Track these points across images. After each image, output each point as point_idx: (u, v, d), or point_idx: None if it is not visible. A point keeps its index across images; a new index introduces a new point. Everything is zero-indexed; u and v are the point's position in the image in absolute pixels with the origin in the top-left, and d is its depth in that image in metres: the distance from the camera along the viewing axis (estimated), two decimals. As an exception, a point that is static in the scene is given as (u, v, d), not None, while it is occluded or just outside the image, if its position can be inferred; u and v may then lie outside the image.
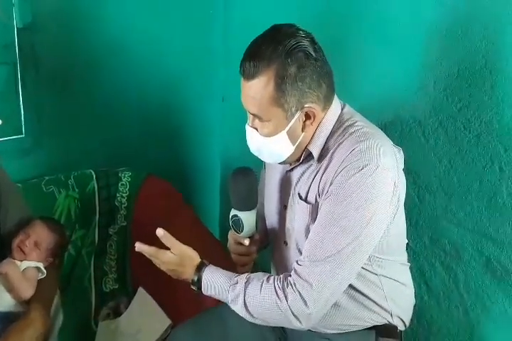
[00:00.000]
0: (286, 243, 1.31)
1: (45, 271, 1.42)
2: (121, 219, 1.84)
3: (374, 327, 1.29)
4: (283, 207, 1.30)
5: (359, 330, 1.29)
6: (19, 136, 1.79)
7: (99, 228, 1.81)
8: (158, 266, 1.24)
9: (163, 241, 1.22)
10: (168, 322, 1.60)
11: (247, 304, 1.17)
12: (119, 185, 1.85)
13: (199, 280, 1.21)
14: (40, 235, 1.43)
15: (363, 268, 1.21)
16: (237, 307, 1.20)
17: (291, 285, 1.15)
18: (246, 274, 1.22)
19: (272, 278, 1.20)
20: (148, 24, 1.97)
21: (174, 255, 1.22)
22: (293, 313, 1.14)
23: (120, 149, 2.00)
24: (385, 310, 1.28)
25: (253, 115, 1.17)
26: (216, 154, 2.27)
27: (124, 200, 1.85)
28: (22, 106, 1.77)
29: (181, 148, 2.22)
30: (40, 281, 1.41)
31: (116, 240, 1.83)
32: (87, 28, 1.85)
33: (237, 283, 1.19)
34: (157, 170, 1.95)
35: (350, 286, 1.22)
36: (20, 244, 1.39)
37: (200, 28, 2.10)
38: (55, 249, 1.47)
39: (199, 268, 1.22)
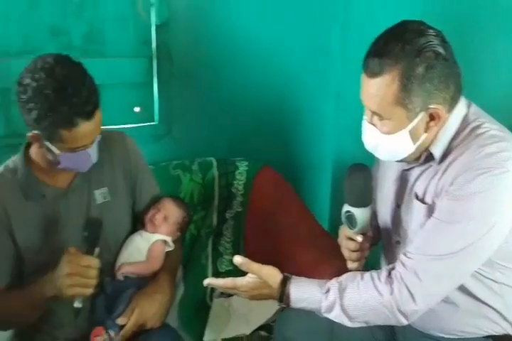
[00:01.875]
0: (398, 242, 1.29)
1: (172, 244, 1.54)
2: (237, 205, 1.93)
3: (491, 337, 1.23)
4: (396, 205, 1.28)
5: (474, 338, 1.24)
6: (153, 123, 1.97)
7: (218, 211, 1.91)
8: (239, 295, 1.25)
9: (242, 268, 1.22)
10: (277, 306, 1.64)
11: (346, 308, 1.16)
12: (237, 173, 1.94)
13: (286, 296, 1.20)
14: (169, 210, 1.56)
15: (483, 275, 1.17)
16: (333, 315, 1.18)
17: (396, 278, 1.13)
18: (335, 279, 1.20)
19: (366, 275, 1.18)
20: (270, 23, 2.05)
21: (254, 279, 1.22)
22: (398, 308, 1.12)
23: (238, 140, 2.10)
24: (506, 319, 1.22)
25: (372, 112, 1.15)
26: (329, 150, 2.28)
27: (240, 188, 1.94)
28: (157, 96, 1.95)
29: (295, 142, 2.28)
30: (167, 253, 1.53)
31: (232, 224, 1.92)
32: (215, 27, 1.99)
33: (328, 290, 1.18)
34: (271, 163, 2.02)
35: (469, 293, 1.19)
36: (151, 217, 1.52)
37: (318, 26, 2.13)
38: (181, 224, 1.59)
39: (283, 284, 1.21)
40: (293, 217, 1.87)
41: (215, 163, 1.94)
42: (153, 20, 1.89)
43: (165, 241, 1.53)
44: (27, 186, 1.38)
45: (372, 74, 1.09)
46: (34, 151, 1.40)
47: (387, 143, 1.17)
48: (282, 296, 1.20)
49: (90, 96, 1.24)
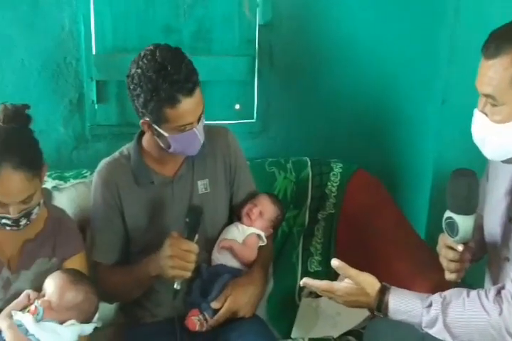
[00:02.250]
0: (508, 259, 1.20)
1: (265, 239, 1.56)
2: (330, 206, 1.91)
3: None
4: (508, 219, 1.20)
5: None
6: (251, 121, 2.02)
7: (310, 211, 1.91)
8: (334, 300, 1.23)
9: (340, 272, 1.20)
10: (367, 312, 1.60)
11: (449, 325, 1.11)
12: (331, 174, 1.93)
13: (385, 306, 1.17)
14: (265, 206, 1.59)
15: None
16: (435, 330, 1.13)
17: (506, 298, 1.07)
18: (438, 294, 1.15)
19: (472, 293, 1.12)
20: (373, 25, 2.04)
21: (351, 285, 1.19)
22: (507, 329, 1.05)
23: (333, 142, 2.10)
24: None
25: (486, 97, 1.10)
26: (430, 157, 2.20)
27: (334, 189, 1.92)
28: (256, 95, 1.99)
29: (392, 147, 2.22)
30: (260, 248, 1.56)
31: (323, 225, 1.90)
32: (317, 28, 2.00)
33: (431, 305, 1.13)
34: (365, 166, 1.99)
35: None
36: (248, 211, 1.56)
37: (425, 28, 2.08)
38: (274, 221, 1.61)
39: (382, 293, 1.18)
40: (388, 224, 1.82)
41: (309, 163, 1.94)
42: (258, 20, 1.93)
43: (259, 236, 1.56)
44: (138, 172, 1.49)
45: (490, 55, 1.07)
46: (146, 140, 1.50)
47: (497, 135, 1.11)
48: (380, 306, 1.17)
49: (190, 75, 1.33)
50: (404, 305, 1.15)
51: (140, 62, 1.33)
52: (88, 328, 1.28)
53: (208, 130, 1.53)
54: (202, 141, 1.43)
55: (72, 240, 1.46)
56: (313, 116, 2.08)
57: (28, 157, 1.28)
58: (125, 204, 1.49)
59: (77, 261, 1.44)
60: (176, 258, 1.31)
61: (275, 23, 1.95)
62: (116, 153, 1.55)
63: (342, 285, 1.20)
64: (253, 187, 1.66)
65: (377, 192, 1.93)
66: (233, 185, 1.60)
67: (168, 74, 1.30)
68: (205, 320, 1.41)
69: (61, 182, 1.72)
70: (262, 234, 1.56)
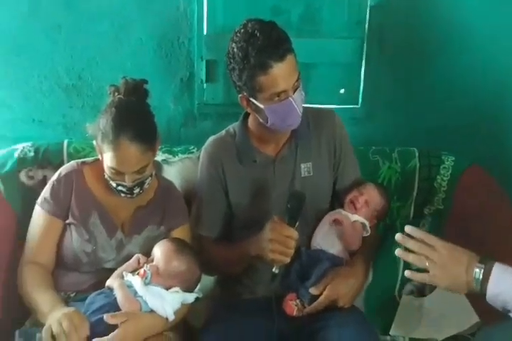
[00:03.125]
0: None
1: (369, 229, 1.53)
2: (439, 201, 1.81)
3: None
4: None
5: None
6: (355, 106, 1.97)
7: (415, 205, 1.84)
8: (429, 263, 1.14)
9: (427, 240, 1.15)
10: (476, 319, 1.52)
11: None
12: (441, 167, 1.83)
13: (484, 278, 1.09)
14: (372, 196, 1.54)
15: None
16: None
17: None
18: None
19: None
20: (493, 11, 1.88)
21: (445, 252, 1.13)
22: None
23: (442, 133, 1.98)
24: None
25: None
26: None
27: (444, 184, 1.82)
28: (362, 79, 1.94)
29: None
30: (364, 239, 1.53)
31: (430, 221, 1.80)
32: (431, 11, 1.89)
33: None
34: (478, 161, 1.85)
35: None
36: (354, 199, 1.53)
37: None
38: (380, 212, 1.57)
39: (483, 261, 1.11)
40: (504, 227, 1.68)
41: (417, 154, 1.85)
42: (369, 1, 1.88)
43: (363, 225, 1.52)
44: (242, 150, 1.53)
45: None
46: (250, 119, 1.54)
47: None
48: (481, 275, 1.09)
49: (280, 41, 1.34)
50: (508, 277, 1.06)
51: (234, 37, 1.37)
52: (190, 297, 1.36)
53: (314, 112, 1.55)
54: (300, 112, 1.41)
55: (179, 211, 1.55)
56: (422, 104, 1.99)
57: (145, 130, 1.36)
58: (229, 181, 1.54)
59: (182, 232, 1.53)
60: (276, 243, 1.33)
61: (387, 4, 1.88)
62: (223, 132, 1.60)
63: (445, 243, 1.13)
64: (358, 173, 1.63)
65: (492, 192, 1.78)
66: (337, 170, 1.58)
67: (257, 41, 1.32)
68: (303, 305, 1.42)
69: (170, 156, 1.81)
70: (367, 223, 1.52)
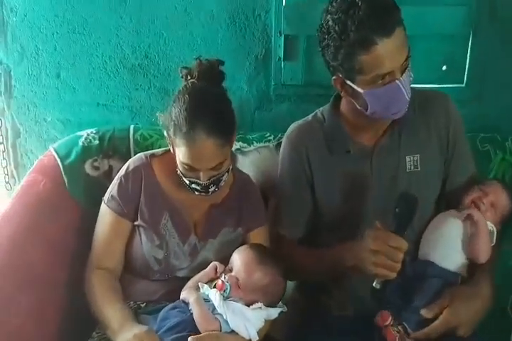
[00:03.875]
0: None
1: (494, 238, 1.26)
2: None
3: None
4: None
5: None
6: (459, 85, 1.69)
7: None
8: None
9: None
10: None
11: None
12: None
13: None
14: (499, 197, 1.29)
15: None
16: None
17: None
18: None
19: None
20: None
21: None
22: None
23: None
24: None
25: None
26: None
27: None
28: (469, 54, 1.66)
29: None
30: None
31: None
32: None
33: None
34: None
35: None
36: (476, 200, 1.28)
37: None
38: (505, 217, 1.30)
39: None
40: None
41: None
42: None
43: (491, 232, 1.25)
44: (332, 138, 1.32)
45: None
46: (343, 102, 1.32)
47: None
48: None
49: (387, 11, 1.11)
50: None
51: (329, 7, 1.14)
52: (274, 313, 1.18)
53: (421, 94, 1.30)
54: (408, 99, 1.18)
55: (258, 210, 1.37)
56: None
57: (223, 121, 1.18)
58: (315, 174, 1.33)
59: (261, 234, 1.35)
60: (381, 255, 1.11)
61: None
62: (309, 117, 1.38)
63: None
64: (474, 169, 1.37)
65: None
66: (450, 165, 1.33)
67: (358, 11, 1.09)
68: (406, 332, 1.19)
69: (245, 144, 1.62)
70: (495, 229, 1.26)
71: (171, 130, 1.18)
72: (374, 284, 1.15)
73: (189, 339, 1.05)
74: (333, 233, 1.33)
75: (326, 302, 1.36)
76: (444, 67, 1.68)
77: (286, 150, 1.38)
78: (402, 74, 1.15)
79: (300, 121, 1.39)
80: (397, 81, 1.14)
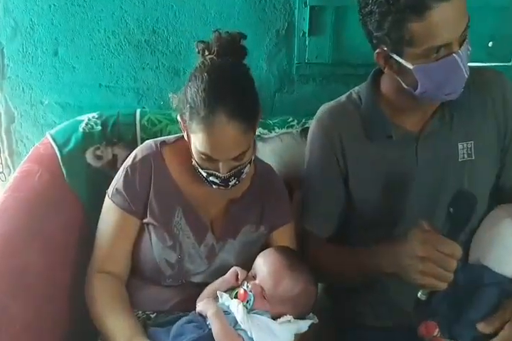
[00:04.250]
0: None
1: None
2: None
3: None
4: None
5: None
6: (506, 64, 1.49)
7: None
8: None
9: None
10: None
11: None
12: None
13: None
14: None
15: None
16: None
17: None
18: None
19: None
20: None
21: None
22: None
23: None
24: None
25: None
26: None
27: None
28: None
29: None
30: None
31: None
32: None
33: None
34: None
35: None
36: None
37: None
38: None
39: None
40: None
41: None
42: None
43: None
44: (371, 122, 1.15)
45: None
46: (384, 80, 1.14)
47: None
48: None
49: None
50: None
51: None
52: (304, 325, 1.02)
53: (477, 72, 1.10)
54: (466, 77, 1.01)
55: (282, 205, 1.20)
56: None
57: (246, 103, 1.01)
58: (350, 163, 1.16)
59: (286, 233, 1.19)
60: (430, 263, 0.94)
61: None
62: (343, 97, 1.21)
63: None
64: None
65: None
66: (506, 154, 1.16)
67: None
68: None
69: (265, 130, 1.44)
70: None
71: (186, 114, 1.01)
72: (419, 295, 0.99)
73: None
74: (367, 232, 1.17)
75: (358, 308, 1.20)
76: (491, 44, 1.50)
77: (316, 135, 1.20)
78: (460, 47, 0.97)
79: (332, 103, 1.22)
80: (454, 55, 0.96)
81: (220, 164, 1.03)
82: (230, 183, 1.07)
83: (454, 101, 1.08)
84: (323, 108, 1.22)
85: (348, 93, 1.21)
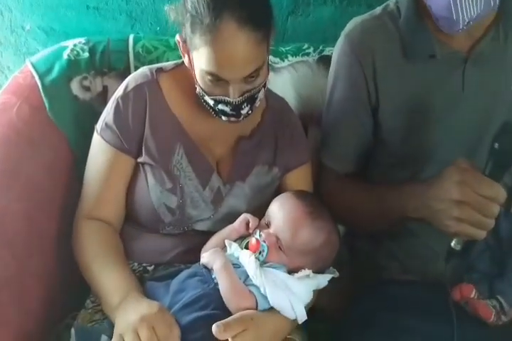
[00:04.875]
0: None
1: None
2: None
3: None
4: None
5: None
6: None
7: None
8: None
9: None
10: None
11: None
12: None
13: None
14: None
15: None
16: None
17: None
18: None
19: None
20: None
21: None
22: None
23: None
24: None
25: None
26: None
27: None
28: None
29: None
30: None
31: None
32: None
33: None
34: None
35: None
36: None
37: None
38: None
39: None
40: None
41: None
42: None
43: None
44: (411, 38, 0.96)
45: None
46: None
47: None
48: None
49: None
50: None
51: None
52: (323, 280, 0.89)
53: None
54: None
55: (298, 143, 1.05)
56: None
57: (258, 7, 0.84)
58: (381, 86, 0.98)
59: (302, 176, 1.05)
60: (468, 208, 0.79)
61: None
62: (378, 9, 1.02)
63: None
64: None
65: None
66: None
67: None
68: (502, 308, 0.91)
69: (276, 59, 1.26)
70: None
71: (187, 26, 0.83)
72: (453, 244, 0.85)
73: (213, 327, 0.75)
74: (393, 173, 1.02)
75: (380, 259, 1.07)
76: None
77: (344, 53, 1.02)
78: None
79: (365, 16, 1.02)
80: None
81: (231, 87, 0.87)
82: (242, 112, 0.91)
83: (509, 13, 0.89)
84: (354, 21, 1.03)
85: (384, 4, 1.01)
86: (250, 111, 0.93)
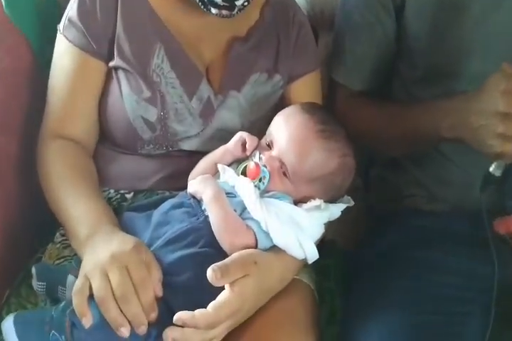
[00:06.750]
0: None
1: None
2: None
3: None
4: None
5: None
6: None
7: None
8: None
9: None
10: None
11: None
12: None
13: None
14: None
15: None
16: None
17: None
18: None
19: None
20: None
21: None
22: None
23: None
24: None
25: None
26: None
27: None
28: None
29: None
30: None
31: None
32: None
33: None
34: None
35: None
36: None
37: None
38: None
39: None
40: None
41: None
42: None
43: None
44: None
45: None
46: None
47: None
48: None
49: None
50: None
51: None
52: (337, 211, 0.73)
53: None
54: None
55: (305, 46, 0.87)
56: None
57: None
58: None
59: (310, 86, 0.88)
60: None
61: None
62: None
63: None
64: None
65: None
66: None
67: None
68: None
69: None
70: None
71: None
72: (491, 169, 0.72)
73: (208, 271, 0.61)
74: (419, 90, 0.86)
75: (409, 190, 0.91)
76: None
77: None
78: None
79: None
80: None
81: None
82: (236, 3, 0.73)
83: None
84: None
85: None
86: (246, 3, 0.74)
